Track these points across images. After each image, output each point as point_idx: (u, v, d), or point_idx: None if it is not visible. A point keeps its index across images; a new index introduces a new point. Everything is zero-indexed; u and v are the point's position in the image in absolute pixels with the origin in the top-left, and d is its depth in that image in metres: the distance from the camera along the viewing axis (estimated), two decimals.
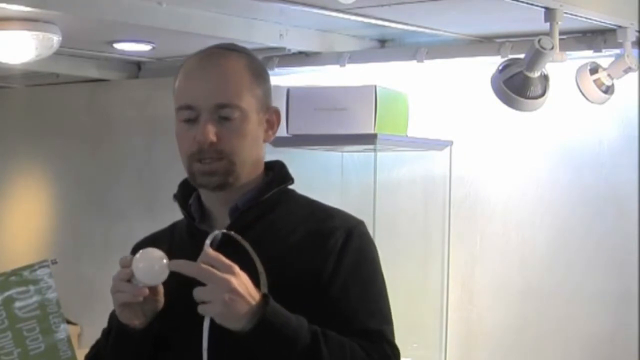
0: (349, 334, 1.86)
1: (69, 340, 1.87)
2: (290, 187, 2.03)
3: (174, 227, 2.09)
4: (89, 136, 5.66)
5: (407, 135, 4.30)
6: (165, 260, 1.80)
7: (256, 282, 1.82)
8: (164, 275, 1.80)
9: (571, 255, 4.08)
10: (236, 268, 1.76)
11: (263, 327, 1.75)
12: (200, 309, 1.75)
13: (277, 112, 2.01)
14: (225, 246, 1.89)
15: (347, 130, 4.16)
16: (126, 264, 1.83)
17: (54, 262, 1.90)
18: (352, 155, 4.58)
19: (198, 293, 1.75)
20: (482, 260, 4.30)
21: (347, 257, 1.91)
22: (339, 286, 1.89)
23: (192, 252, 1.94)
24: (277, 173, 2.01)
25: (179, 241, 2.02)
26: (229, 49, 1.98)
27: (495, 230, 4.27)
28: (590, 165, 4.05)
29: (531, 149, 4.19)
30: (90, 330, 5.24)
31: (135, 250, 2.11)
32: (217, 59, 1.95)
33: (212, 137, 1.88)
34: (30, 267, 1.88)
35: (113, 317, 1.93)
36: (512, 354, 4.21)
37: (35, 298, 1.85)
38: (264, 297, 1.77)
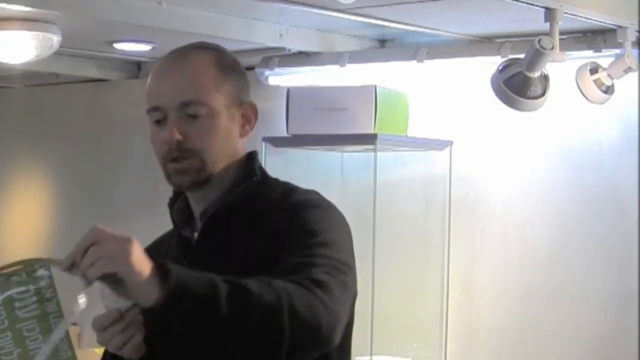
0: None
1: (69, 340, 1.87)
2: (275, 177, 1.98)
3: (174, 229, 2.07)
4: (89, 136, 5.66)
5: (407, 135, 4.30)
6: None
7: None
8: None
9: (571, 255, 4.08)
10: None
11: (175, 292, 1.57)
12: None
13: (253, 107, 1.96)
14: (196, 252, 1.90)
15: (347, 130, 4.15)
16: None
17: None
18: (352, 155, 4.58)
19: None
20: (482, 260, 4.30)
21: (283, 213, 1.82)
22: (281, 243, 1.79)
23: (177, 258, 1.93)
24: (244, 170, 1.94)
25: (172, 247, 2.00)
26: (197, 47, 1.97)
27: (495, 230, 4.27)
28: (590, 165, 4.05)
29: (531, 149, 4.19)
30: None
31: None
32: (182, 58, 1.94)
33: (177, 136, 1.86)
34: (31, 267, 1.87)
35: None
36: (512, 354, 4.21)
37: (35, 298, 1.85)
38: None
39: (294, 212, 1.84)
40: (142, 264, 1.59)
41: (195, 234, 1.94)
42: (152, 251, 2.05)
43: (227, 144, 1.91)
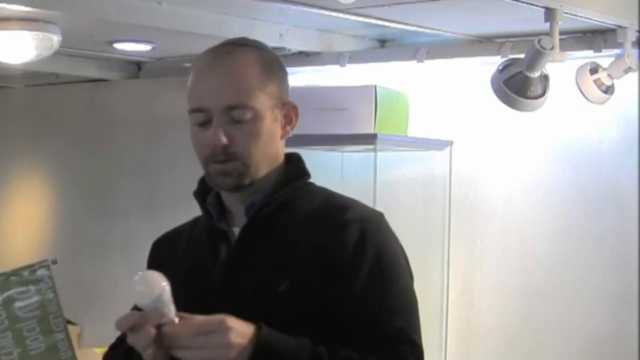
0: (371, 336, 1.83)
1: (69, 340, 1.87)
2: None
3: (196, 221, 2.06)
4: (89, 136, 5.66)
5: (407, 135, 4.30)
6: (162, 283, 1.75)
7: (281, 275, 1.82)
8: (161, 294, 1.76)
9: (571, 255, 4.09)
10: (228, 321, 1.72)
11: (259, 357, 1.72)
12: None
13: (294, 107, 1.97)
14: (239, 247, 1.90)
15: (347, 130, 4.15)
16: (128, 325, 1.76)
17: (54, 262, 1.90)
18: (352, 155, 4.58)
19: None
20: (482, 260, 4.30)
21: (364, 256, 1.86)
22: (358, 288, 1.85)
23: (210, 251, 1.93)
24: (293, 168, 1.97)
25: (198, 238, 1.99)
26: (239, 44, 1.95)
27: (495, 230, 4.27)
28: (590, 165, 4.05)
29: (531, 149, 4.19)
30: (90, 330, 5.25)
31: (157, 244, 2.09)
32: (225, 57, 1.91)
33: (224, 140, 1.85)
34: (31, 267, 1.88)
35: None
36: (512, 353, 4.21)
37: (35, 298, 1.85)
38: (257, 329, 1.73)
39: (359, 246, 1.86)
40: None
41: (235, 229, 1.93)
42: (164, 244, 2.06)
43: (269, 146, 1.91)
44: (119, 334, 1.91)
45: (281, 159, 1.97)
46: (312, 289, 1.83)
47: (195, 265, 1.95)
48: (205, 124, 1.88)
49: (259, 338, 1.72)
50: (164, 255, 2.05)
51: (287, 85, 1.97)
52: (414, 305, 1.91)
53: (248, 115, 1.87)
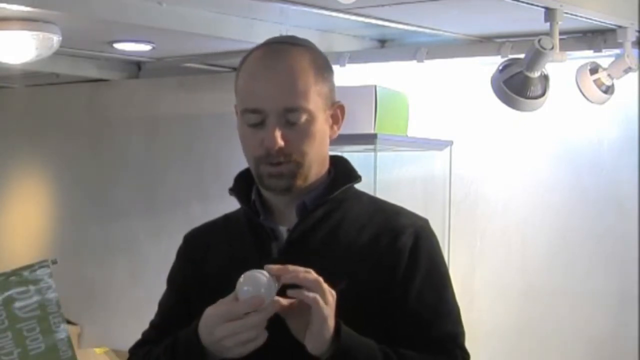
0: (425, 339, 1.87)
1: (69, 340, 1.87)
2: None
3: (227, 219, 2.04)
4: (89, 136, 5.67)
5: (407, 135, 4.30)
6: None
7: (336, 274, 1.81)
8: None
9: (571, 255, 4.09)
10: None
11: (341, 353, 1.73)
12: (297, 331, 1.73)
13: (341, 107, 1.97)
14: (291, 246, 1.89)
15: (347, 130, 4.14)
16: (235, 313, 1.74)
17: (54, 262, 1.89)
18: (352, 155, 4.56)
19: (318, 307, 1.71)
20: (482, 260, 4.30)
21: (420, 261, 1.89)
22: (414, 292, 1.88)
23: (257, 248, 1.92)
24: (342, 170, 1.97)
25: (238, 236, 1.97)
26: (291, 44, 1.93)
27: (496, 230, 4.27)
28: (590, 165, 4.05)
29: (531, 149, 4.19)
30: (90, 330, 5.24)
31: (190, 237, 2.05)
32: (281, 57, 1.89)
33: (280, 143, 1.84)
34: (30, 267, 1.87)
35: (185, 343, 1.83)
36: (513, 354, 4.22)
37: (35, 298, 1.85)
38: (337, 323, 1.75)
39: (415, 254, 1.89)
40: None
41: (282, 227, 1.92)
42: (199, 238, 2.03)
43: (321, 147, 1.92)
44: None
45: (327, 160, 1.97)
46: (368, 289, 1.85)
47: (239, 261, 1.92)
48: (258, 124, 1.87)
49: (340, 326, 1.75)
50: (201, 248, 2.02)
51: (334, 86, 1.97)
52: (460, 312, 2.00)
53: (303, 117, 1.86)
